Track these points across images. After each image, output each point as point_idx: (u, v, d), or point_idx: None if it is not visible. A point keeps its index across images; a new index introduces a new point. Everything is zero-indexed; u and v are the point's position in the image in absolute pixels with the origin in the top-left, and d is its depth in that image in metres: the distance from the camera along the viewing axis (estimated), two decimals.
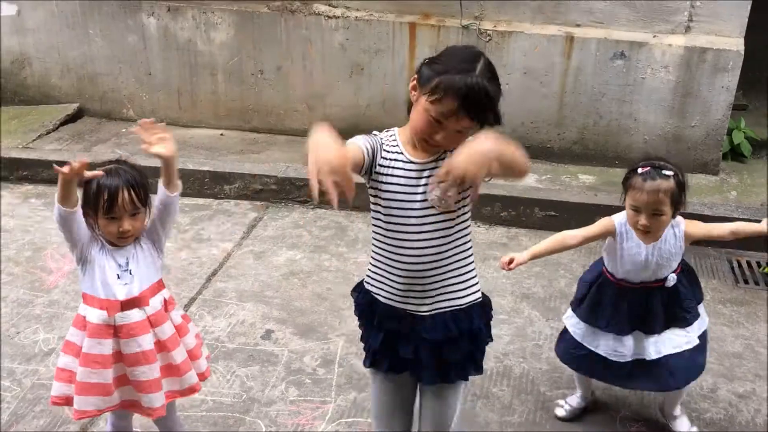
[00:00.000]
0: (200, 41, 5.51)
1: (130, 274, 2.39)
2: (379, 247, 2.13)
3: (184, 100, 5.76)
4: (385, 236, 2.09)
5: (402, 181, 2.02)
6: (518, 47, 5.00)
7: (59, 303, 3.78)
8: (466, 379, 2.23)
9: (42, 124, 5.69)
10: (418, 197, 2.02)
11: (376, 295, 2.18)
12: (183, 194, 5.19)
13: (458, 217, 2.06)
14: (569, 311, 2.94)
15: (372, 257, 2.18)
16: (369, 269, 2.21)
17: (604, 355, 2.78)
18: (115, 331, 2.37)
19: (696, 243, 2.76)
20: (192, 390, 2.53)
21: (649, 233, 2.62)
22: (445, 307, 2.13)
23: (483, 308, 2.21)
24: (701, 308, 2.86)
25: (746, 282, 4.10)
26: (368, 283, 2.22)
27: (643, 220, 2.57)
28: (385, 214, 2.07)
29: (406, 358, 2.17)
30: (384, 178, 2.04)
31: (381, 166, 2.04)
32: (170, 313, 2.48)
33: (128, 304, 2.38)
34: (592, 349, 2.81)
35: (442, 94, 1.86)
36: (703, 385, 3.26)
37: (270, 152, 5.42)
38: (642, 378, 2.79)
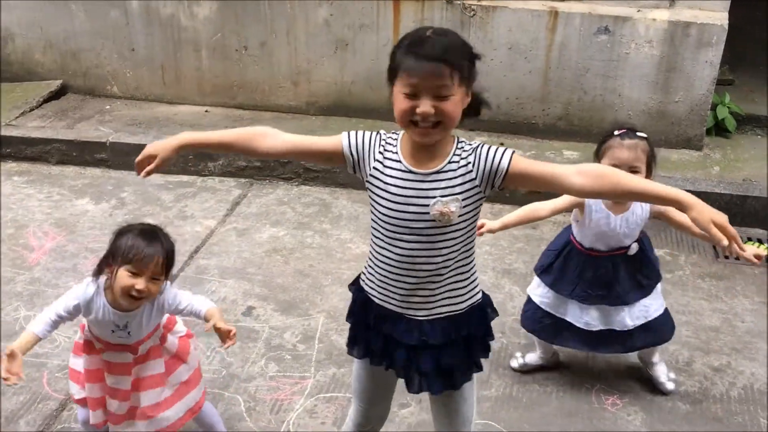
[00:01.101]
0: (183, 16, 5.46)
1: (129, 334, 2.41)
2: (379, 253, 2.03)
3: (168, 77, 5.72)
4: (385, 243, 2.00)
5: (402, 191, 1.93)
6: (503, 22, 4.97)
7: (41, 281, 3.78)
8: (471, 379, 2.15)
9: (25, 101, 5.65)
10: (420, 209, 1.92)
11: (372, 297, 2.10)
12: (166, 171, 5.22)
13: (466, 226, 1.97)
14: (535, 281, 3.02)
15: (371, 259, 2.08)
16: (368, 269, 2.11)
17: (571, 321, 2.88)
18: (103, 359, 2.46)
19: (655, 218, 2.79)
20: (198, 406, 2.60)
21: None
22: (444, 312, 2.04)
23: (482, 311, 2.12)
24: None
25: (726, 257, 4.13)
26: (365, 282, 2.14)
27: None
28: (385, 222, 1.98)
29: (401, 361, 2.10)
30: (382, 185, 1.96)
31: (376, 170, 1.97)
32: (164, 344, 2.51)
33: (118, 347, 2.44)
34: (559, 316, 2.91)
35: (398, 61, 1.84)
36: (679, 358, 3.30)
37: None
38: (611, 343, 2.92)
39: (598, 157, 2.72)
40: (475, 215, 1.98)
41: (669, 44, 4.79)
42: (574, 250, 2.88)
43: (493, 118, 5.26)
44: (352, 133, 2.01)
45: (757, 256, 1.90)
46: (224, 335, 2.40)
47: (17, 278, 3.79)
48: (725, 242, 1.82)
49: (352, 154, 2.00)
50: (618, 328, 2.88)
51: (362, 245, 4.09)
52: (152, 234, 2.36)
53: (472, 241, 2.02)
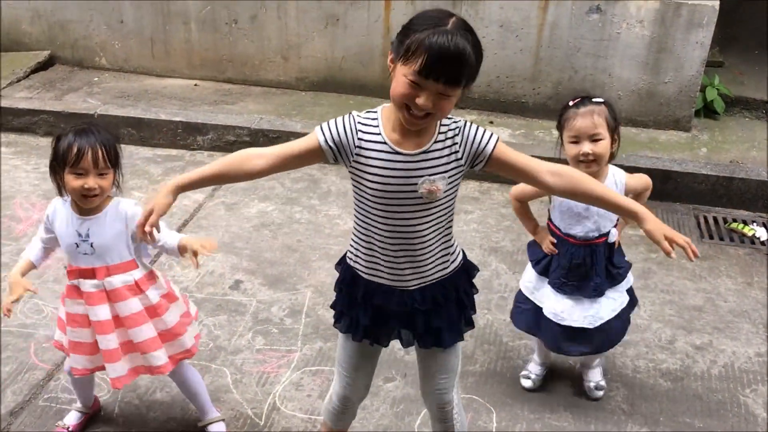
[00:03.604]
0: None
1: (91, 246, 2.38)
2: (366, 230, 2.05)
3: (157, 49, 5.68)
4: (373, 222, 2.01)
5: (389, 173, 1.93)
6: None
7: None
8: (462, 338, 2.22)
9: (12, 72, 5.60)
10: (409, 188, 1.94)
11: (360, 273, 2.13)
12: (155, 145, 5.21)
13: (450, 198, 2.02)
14: (526, 270, 2.93)
15: (357, 236, 2.10)
16: (353, 247, 2.13)
17: (546, 314, 2.80)
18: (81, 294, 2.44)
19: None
20: (158, 370, 2.52)
21: (594, 163, 2.57)
22: (434, 279, 2.11)
23: (466, 272, 2.19)
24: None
25: (711, 237, 4.17)
26: (352, 260, 2.16)
27: (584, 147, 2.54)
28: (373, 203, 1.98)
29: (389, 332, 2.17)
30: (368, 168, 1.95)
31: (360, 156, 1.95)
32: (146, 292, 2.47)
33: (83, 273, 2.41)
34: (537, 304, 2.83)
35: (415, 48, 1.77)
36: (662, 336, 3.34)
37: (244, 103, 5.38)
38: (578, 342, 2.80)
39: (559, 130, 2.64)
40: (457, 188, 2.03)
41: (660, 24, 4.80)
42: (553, 236, 2.78)
43: (483, 97, 5.26)
44: (325, 125, 1.97)
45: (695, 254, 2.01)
46: (199, 250, 2.35)
47: (4, 249, 3.78)
48: (674, 255, 2.02)
49: (330, 147, 1.96)
50: (587, 326, 2.75)
51: (350, 221, 4.06)
52: (85, 130, 2.32)
53: (453, 209, 2.08)
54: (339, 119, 1.97)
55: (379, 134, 1.94)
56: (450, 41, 1.76)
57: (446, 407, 2.32)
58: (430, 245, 2.05)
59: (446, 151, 1.95)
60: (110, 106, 5.15)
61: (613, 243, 2.73)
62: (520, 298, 2.93)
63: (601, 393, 2.98)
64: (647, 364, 3.18)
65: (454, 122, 1.98)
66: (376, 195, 1.97)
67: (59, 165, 2.33)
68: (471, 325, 2.23)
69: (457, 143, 1.95)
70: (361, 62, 5.35)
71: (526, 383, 3.04)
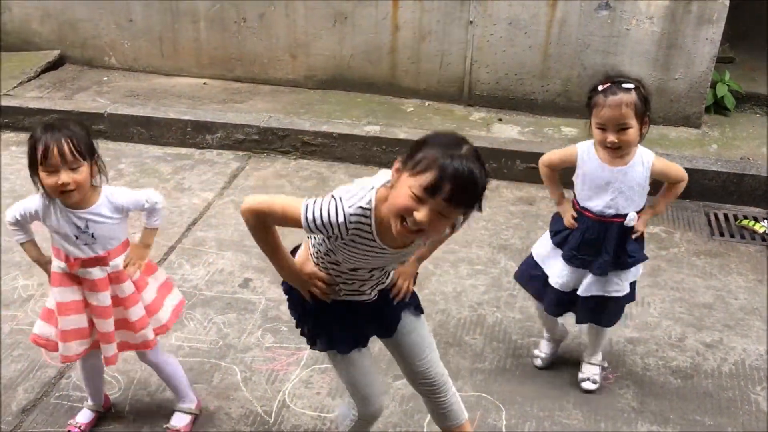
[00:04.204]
0: None
1: (92, 236, 2.39)
2: (333, 272, 2.10)
3: (166, 48, 5.69)
4: (341, 272, 2.09)
5: (370, 257, 2.00)
6: None
7: None
8: (422, 311, 2.35)
9: (23, 71, 5.63)
10: (381, 264, 2.07)
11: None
12: (164, 143, 5.23)
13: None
14: (543, 237, 2.94)
15: (320, 267, 2.13)
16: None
17: (550, 283, 2.84)
18: (79, 280, 2.44)
19: (656, 179, 2.72)
20: (146, 345, 2.58)
21: (619, 149, 2.58)
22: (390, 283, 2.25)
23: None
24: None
25: (722, 234, 4.15)
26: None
27: (610, 136, 2.53)
28: (342, 262, 2.04)
29: (365, 333, 2.25)
30: (351, 252, 1.98)
31: (344, 243, 1.95)
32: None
33: (89, 262, 2.42)
34: (545, 270, 2.86)
35: (426, 164, 1.77)
36: (672, 334, 3.33)
37: (253, 102, 5.39)
38: (567, 308, 2.89)
39: (588, 110, 2.61)
40: None
41: (670, 21, 4.77)
42: (574, 209, 2.80)
43: (491, 94, 5.25)
44: (310, 215, 1.90)
45: None
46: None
47: (15, 248, 3.79)
48: None
49: (312, 232, 1.94)
50: (580, 292, 2.80)
51: None
52: (52, 126, 2.30)
53: None
54: (327, 210, 1.88)
55: (371, 233, 1.93)
56: (463, 164, 1.76)
57: (441, 378, 2.33)
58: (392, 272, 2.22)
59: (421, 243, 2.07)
60: (120, 105, 5.17)
61: (631, 228, 2.72)
62: (531, 263, 2.94)
63: (593, 387, 2.99)
64: (657, 361, 3.17)
65: None
66: (348, 263, 2.04)
67: (32, 166, 2.31)
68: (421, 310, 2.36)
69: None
70: (369, 60, 5.34)
71: (537, 362, 3.11)
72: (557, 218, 2.87)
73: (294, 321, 2.30)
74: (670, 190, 2.77)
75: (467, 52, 5.16)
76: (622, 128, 2.52)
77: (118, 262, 2.45)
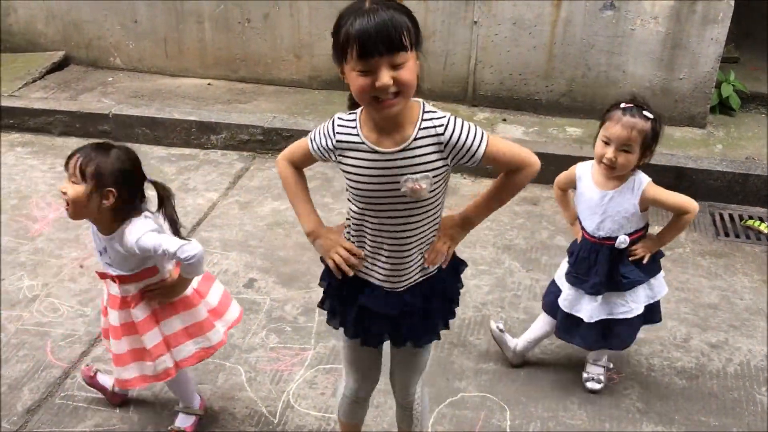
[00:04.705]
0: None
1: (110, 258, 2.43)
2: (357, 225, 2.04)
3: (170, 49, 5.70)
4: (362, 218, 2.01)
5: (369, 172, 1.92)
6: None
7: (44, 251, 3.81)
8: (438, 337, 2.21)
9: (28, 72, 5.65)
10: (391, 186, 1.92)
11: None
12: (169, 144, 5.23)
13: (436, 198, 1.99)
14: (563, 261, 2.96)
15: (349, 230, 2.08)
16: (346, 239, 2.11)
17: (559, 301, 2.87)
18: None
19: (648, 205, 2.69)
20: (167, 374, 2.54)
21: (613, 170, 2.59)
22: (419, 278, 2.09)
23: (455, 268, 2.18)
24: (659, 278, 2.84)
25: (726, 234, 4.14)
26: None
27: (609, 153, 2.55)
28: (360, 201, 1.98)
29: (376, 336, 2.16)
30: (349, 168, 1.95)
31: (342, 156, 1.96)
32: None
33: (103, 276, 2.48)
34: (560, 288, 2.89)
35: (345, 40, 1.77)
36: (677, 334, 3.32)
37: (257, 102, 5.39)
38: (573, 333, 2.87)
39: (600, 123, 2.63)
40: (444, 186, 2.00)
41: (675, 21, 4.76)
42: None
43: (495, 94, 5.25)
44: (311, 134, 2.03)
45: None
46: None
47: (20, 248, 3.82)
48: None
49: (316, 151, 2.03)
50: (585, 319, 2.81)
51: None
52: (96, 145, 2.36)
53: (442, 207, 2.06)
54: (321, 126, 2.01)
55: (357, 135, 1.93)
56: (369, 15, 1.75)
57: (408, 398, 2.39)
58: (419, 243, 2.03)
59: (429, 149, 1.90)
60: (124, 105, 5.18)
61: (623, 250, 2.71)
62: (552, 285, 2.98)
63: (597, 386, 2.98)
64: (662, 362, 3.16)
65: (437, 117, 1.90)
66: (360, 194, 1.97)
67: None
68: (447, 326, 2.22)
69: (442, 142, 1.89)
70: None
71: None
72: (575, 241, 2.88)
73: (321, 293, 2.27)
74: (673, 221, 2.72)
75: (471, 52, 5.16)
76: (624, 149, 2.54)
77: (130, 288, 2.45)
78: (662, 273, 2.86)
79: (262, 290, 3.56)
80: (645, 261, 2.73)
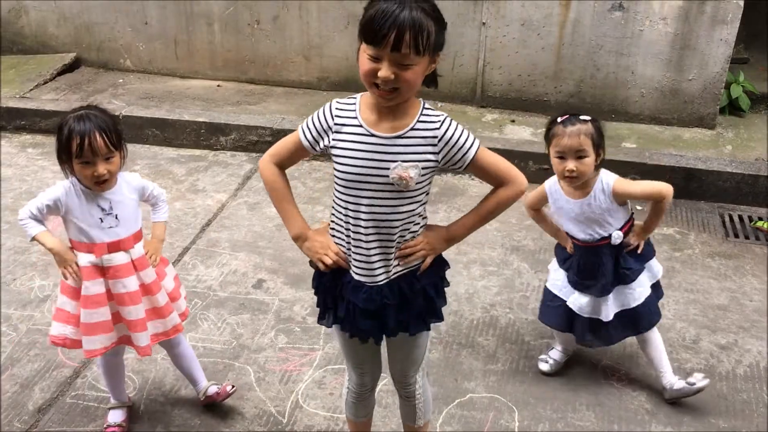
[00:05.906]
0: None
1: (116, 218, 2.45)
2: (338, 216, 2.07)
3: (180, 50, 5.74)
4: (346, 207, 2.03)
5: (363, 155, 1.95)
6: None
7: None
8: (428, 329, 2.24)
9: (39, 74, 5.69)
10: (380, 171, 1.95)
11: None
12: (179, 145, 5.27)
13: (422, 191, 2.02)
14: (553, 269, 3.00)
15: (332, 222, 2.12)
16: (332, 235, 2.13)
17: (570, 306, 2.89)
18: (103, 271, 2.47)
19: (622, 203, 2.76)
20: (176, 330, 2.67)
21: (576, 179, 2.65)
22: (400, 272, 2.10)
23: (438, 265, 2.18)
24: (653, 261, 2.91)
25: (736, 236, 4.12)
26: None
27: (569, 165, 2.61)
28: (346, 187, 2.00)
29: (364, 330, 2.16)
30: (343, 152, 1.97)
31: (337, 137, 1.98)
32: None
33: (113, 247, 2.47)
34: (564, 299, 2.91)
35: (365, 21, 1.80)
36: (686, 336, 3.31)
37: (266, 104, 5.42)
38: (596, 334, 2.91)
39: (547, 144, 2.70)
40: (430, 182, 2.04)
41: (683, 21, 4.75)
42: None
43: (504, 95, 5.25)
44: (302, 125, 2.04)
45: None
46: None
47: (32, 249, 3.84)
48: None
49: (308, 140, 2.02)
50: (603, 319, 2.86)
51: None
52: (83, 117, 2.35)
53: (426, 202, 2.08)
54: (316, 112, 2.03)
55: (356, 117, 1.97)
56: (398, 8, 1.77)
57: (408, 388, 2.39)
58: (401, 236, 2.05)
59: (423, 141, 1.95)
60: (135, 107, 5.22)
61: (620, 244, 2.78)
62: (549, 297, 2.99)
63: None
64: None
65: (435, 115, 1.97)
66: (348, 177, 1.98)
67: (65, 155, 2.37)
68: (439, 318, 2.22)
69: (437, 137, 1.95)
70: None
71: (544, 367, 3.08)
72: (560, 248, 2.96)
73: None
74: (653, 209, 2.78)
75: (480, 53, 5.16)
76: (580, 156, 2.61)
77: (138, 248, 2.52)
78: (655, 254, 2.94)
79: (271, 291, 3.58)
80: (640, 250, 2.82)
